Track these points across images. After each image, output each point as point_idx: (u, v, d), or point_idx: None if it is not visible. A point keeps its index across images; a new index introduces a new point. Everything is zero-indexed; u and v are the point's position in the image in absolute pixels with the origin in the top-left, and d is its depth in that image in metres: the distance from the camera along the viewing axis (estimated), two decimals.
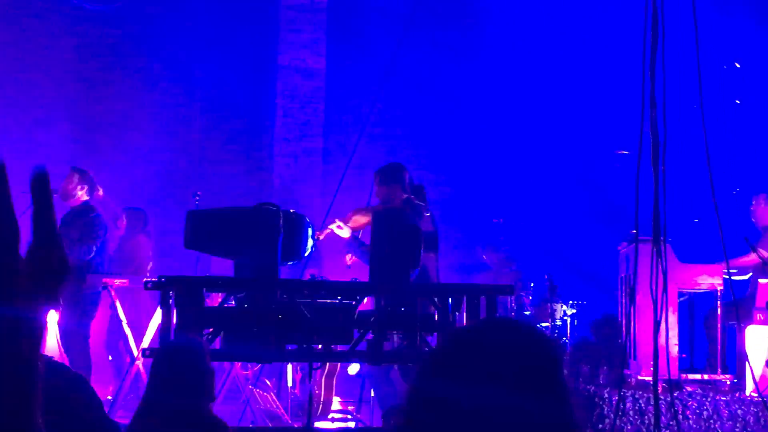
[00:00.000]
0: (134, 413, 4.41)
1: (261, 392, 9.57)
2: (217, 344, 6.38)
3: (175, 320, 6.26)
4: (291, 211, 6.66)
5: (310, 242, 6.73)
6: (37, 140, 12.61)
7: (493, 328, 1.78)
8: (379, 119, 13.02)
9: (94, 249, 9.36)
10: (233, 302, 6.62)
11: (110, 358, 11.05)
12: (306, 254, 6.87)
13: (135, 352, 9.46)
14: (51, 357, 3.17)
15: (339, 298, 6.67)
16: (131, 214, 11.58)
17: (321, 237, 8.61)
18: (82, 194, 9.59)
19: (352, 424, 8.89)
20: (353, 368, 9.91)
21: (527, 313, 11.44)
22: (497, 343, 1.71)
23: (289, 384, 9.63)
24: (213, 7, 13.61)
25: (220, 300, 6.91)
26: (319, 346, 6.64)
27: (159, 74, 13.44)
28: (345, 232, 8.39)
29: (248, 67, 13.75)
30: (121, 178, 12.39)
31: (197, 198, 10.24)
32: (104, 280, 9.62)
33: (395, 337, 7.15)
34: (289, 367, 9.61)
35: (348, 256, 8.72)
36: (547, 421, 1.66)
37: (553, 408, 1.67)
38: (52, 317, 9.12)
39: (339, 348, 6.80)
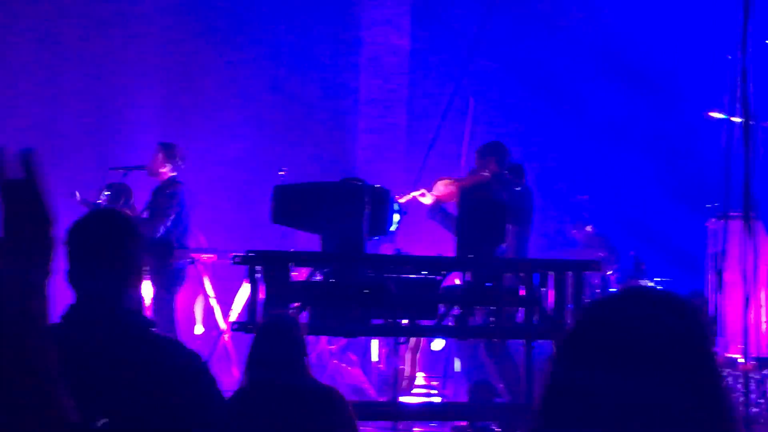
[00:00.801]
0: (236, 391, 4.41)
1: (346, 367, 9.63)
2: (303, 318, 6.42)
3: (262, 295, 6.33)
4: (377, 186, 6.68)
5: (395, 217, 6.75)
6: (125, 118, 12.78)
7: (636, 301, 1.59)
8: (464, 95, 12.95)
9: (162, 228, 9.21)
10: (320, 277, 6.66)
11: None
12: (391, 229, 6.89)
13: (222, 326, 9.58)
14: (166, 334, 3.22)
15: (424, 273, 6.69)
16: (111, 190, 10.65)
17: (401, 201, 8.54)
18: (167, 170, 9.58)
19: (437, 400, 8.91)
20: (437, 344, 9.92)
21: (612, 290, 11.33)
22: (642, 318, 1.53)
23: (375, 359, 9.67)
24: None
25: (306, 275, 6.96)
26: (405, 321, 6.67)
27: (244, 51, 13.52)
28: (428, 199, 8.32)
29: (331, 43, 13.78)
30: (206, 154, 12.51)
31: (283, 173, 10.25)
32: (192, 254, 9.70)
33: (481, 312, 7.14)
34: (375, 341, 9.65)
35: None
36: (700, 406, 1.48)
37: (706, 391, 1.50)
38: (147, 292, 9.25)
39: (424, 323, 6.81)
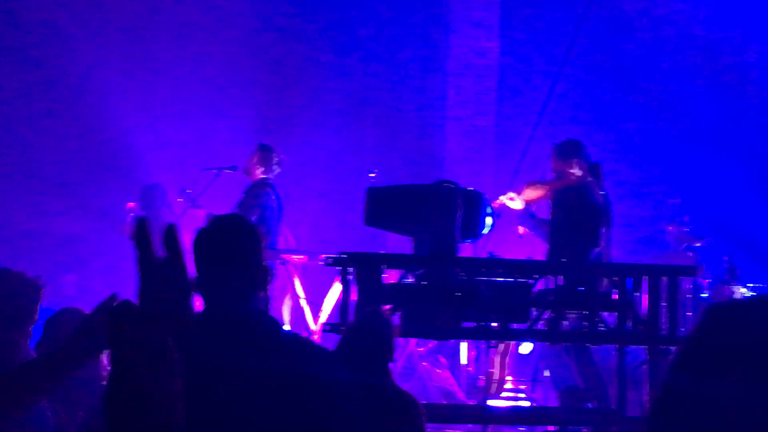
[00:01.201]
0: None
1: (435, 369, 9.62)
2: (394, 321, 6.43)
3: (354, 296, 6.36)
4: (470, 189, 6.67)
5: (488, 220, 6.72)
6: (220, 122, 12.92)
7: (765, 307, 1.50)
8: (556, 100, 12.86)
9: None
10: (411, 279, 6.67)
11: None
12: (484, 232, 6.86)
13: (312, 326, 9.62)
14: (297, 334, 3.26)
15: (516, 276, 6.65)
16: (143, 192, 10.93)
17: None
18: (259, 172, 9.68)
19: (525, 404, 8.86)
20: (525, 347, 9.85)
21: (704, 295, 11.17)
22: None
23: (464, 361, 9.65)
24: None
25: (397, 277, 6.97)
26: (495, 325, 6.65)
27: (333, 55, 13.59)
28: (517, 204, 8.19)
29: (420, 45, 13.79)
30: (296, 156, 12.60)
31: (373, 175, 10.26)
32: (282, 255, 9.77)
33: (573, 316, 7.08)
34: (464, 344, 9.63)
35: (521, 228, 8.55)
36: None
37: None
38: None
39: (515, 327, 6.78)
